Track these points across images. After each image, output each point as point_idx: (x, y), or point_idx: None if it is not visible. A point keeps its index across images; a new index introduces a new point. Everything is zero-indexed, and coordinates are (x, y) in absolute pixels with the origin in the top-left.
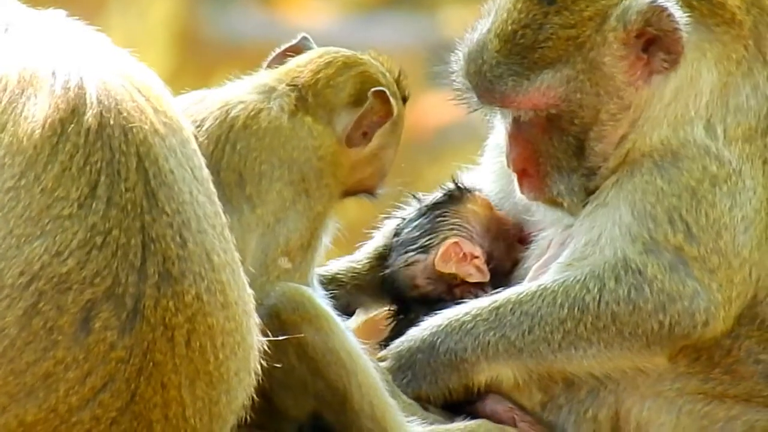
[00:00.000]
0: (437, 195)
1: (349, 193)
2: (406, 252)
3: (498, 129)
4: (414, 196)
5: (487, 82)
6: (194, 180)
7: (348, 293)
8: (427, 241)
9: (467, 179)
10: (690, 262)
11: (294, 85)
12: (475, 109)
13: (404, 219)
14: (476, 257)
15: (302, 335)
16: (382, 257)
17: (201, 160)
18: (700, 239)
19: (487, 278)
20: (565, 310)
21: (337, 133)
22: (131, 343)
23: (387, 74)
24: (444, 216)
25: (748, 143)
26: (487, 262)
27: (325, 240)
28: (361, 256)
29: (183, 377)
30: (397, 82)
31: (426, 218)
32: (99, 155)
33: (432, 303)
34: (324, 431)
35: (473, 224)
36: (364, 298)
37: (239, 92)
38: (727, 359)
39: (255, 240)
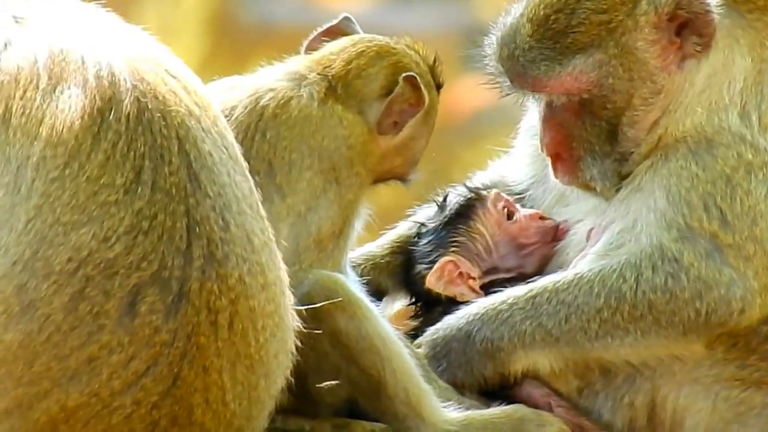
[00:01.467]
0: (456, 204)
1: (380, 180)
2: (420, 263)
3: (532, 111)
4: (436, 203)
5: (520, 67)
6: (230, 159)
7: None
8: (436, 257)
9: (492, 174)
10: (725, 250)
11: (325, 75)
12: (508, 94)
13: (425, 225)
14: (472, 278)
15: (336, 322)
16: (401, 249)
17: (232, 137)
18: (735, 226)
19: (481, 297)
20: (602, 300)
21: (368, 123)
22: (176, 326)
23: (421, 63)
24: (454, 232)
25: None
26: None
27: (358, 227)
28: (383, 243)
29: (225, 361)
30: (432, 69)
31: (438, 234)
32: (141, 140)
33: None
34: (359, 417)
35: (481, 240)
36: (386, 284)
37: (269, 80)
38: (765, 346)
39: (286, 229)
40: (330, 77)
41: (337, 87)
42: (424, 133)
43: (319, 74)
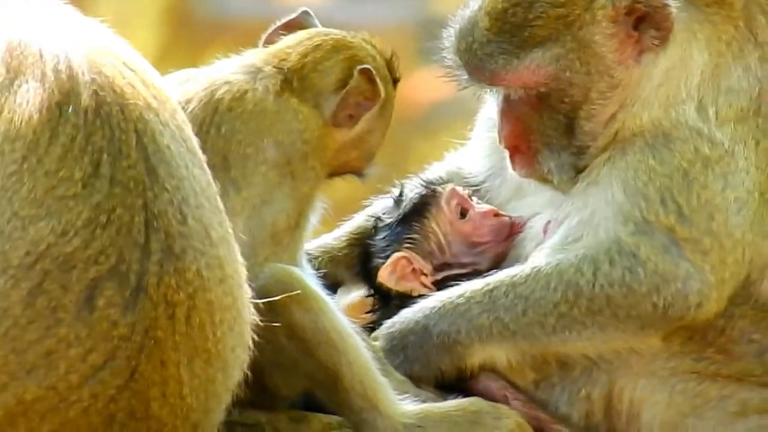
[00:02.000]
0: (411, 201)
1: (336, 174)
2: (376, 258)
3: (489, 103)
4: (392, 197)
5: (478, 60)
6: (188, 153)
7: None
8: (391, 252)
9: (448, 166)
10: (682, 244)
11: (281, 68)
12: (466, 87)
13: (381, 220)
14: (424, 274)
15: (292, 316)
16: (358, 241)
17: (190, 130)
18: (692, 220)
19: (432, 293)
20: (559, 294)
21: (324, 116)
22: (134, 320)
23: (377, 57)
24: (409, 229)
25: (740, 124)
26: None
27: (313, 220)
28: (340, 235)
29: (182, 355)
30: (389, 64)
31: (394, 230)
32: (99, 134)
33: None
34: (316, 409)
35: (434, 238)
36: (342, 276)
37: (225, 73)
38: (721, 339)
39: (242, 222)
40: (286, 70)
41: (293, 80)
42: (380, 127)
43: (274, 67)
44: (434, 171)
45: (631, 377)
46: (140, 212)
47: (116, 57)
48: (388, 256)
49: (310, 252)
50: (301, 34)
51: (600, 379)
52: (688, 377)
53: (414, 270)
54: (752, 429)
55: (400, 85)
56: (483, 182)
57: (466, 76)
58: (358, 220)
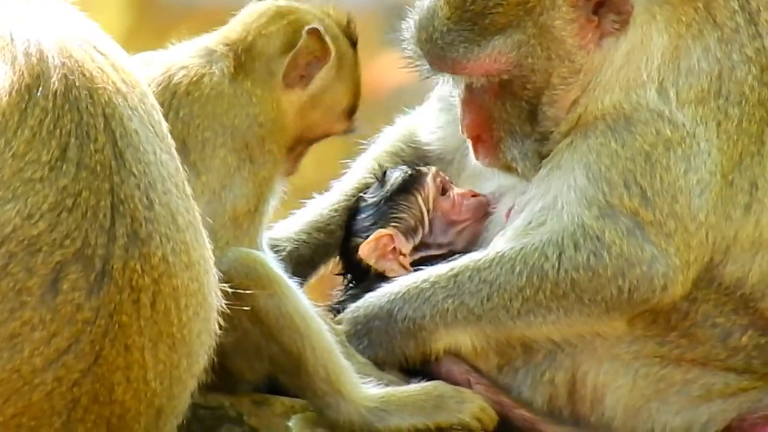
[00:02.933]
0: (397, 179)
1: (312, 139)
2: (358, 237)
3: (442, 84)
4: (375, 176)
5: (438, 50)
6: (156, 138)
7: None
8: (375, 230)
9: (402, 130)
10: (646, 227)
11: (230, 45)
12: (428, 77)
13: (364, 200)
14: (403, 254)
15: (255, 300)
16: (319, 227)
17: (159, 115)
18: (655, 204)
19: (409, 274)
20: (524, 278)
21: (276, 82)
22: (98, 304)
23: (327, 18)
24: (395, 207)
25: (701, 106)
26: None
27: (273, 203)
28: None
29: (146, 339)
30: (346, 27)
31: (379, 208)
32: (68, 118)
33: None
34: (279, 392)
35: (419, 215)
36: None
37: (182, 56)
38: (684, 322)
39: (202, 207)
40: (235, 46)
41: (243, 55)
42: (340, 84)
43: (225, 45)
44: (390, 137)
45: (594, 361)
46: (107, 196)
47: (87, 41)
48: (370, 235)
49: (272, 238)
50: (245, 9)
51: (564, 364)
52: (651, 361)
53: (394, 249)
54: (716, 413)
55: (365, 69)
56: (444, 157)
57: (427, 66)
58: (320, 205)
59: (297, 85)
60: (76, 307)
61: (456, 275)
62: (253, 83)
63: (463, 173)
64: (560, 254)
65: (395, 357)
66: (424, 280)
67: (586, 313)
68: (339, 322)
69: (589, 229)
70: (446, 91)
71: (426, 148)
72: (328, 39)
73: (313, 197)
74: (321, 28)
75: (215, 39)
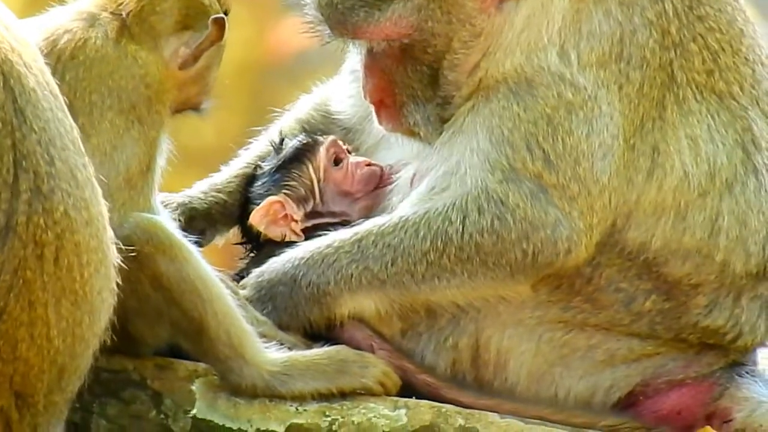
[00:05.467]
0: (291, 148)
1: (177, 111)
2: (253, 204)
3: (353, 55)
4: (272, 144)
5: (339, 14)
6: (51, 96)
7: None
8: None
9: (317, 99)
10: (550, 190)
11: (118, 13)
12: (329, 42)
13: (261, 167)
14: (295, 221)
15: (156, 265)
16: (220, 191)
17: (50, 75)
18: (558, 167)
19: (301, 240)
20: (428, 242)
21: (164, 58)
22: (2, 259)
23: None
24: (287, 176)
25: (602, 69)
26: (320, 218)
27: (161, 162)
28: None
29: (50, 295)
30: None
31: (272, 176)
32: None
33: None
34: (182, 356)
35: (309, 184)
36: (204, 226)
37: (64, 20)
38: (588, 287)
39: (95, 169)
40: (124, 16)
41: (132, 25)
42: (216, 61)
43: (111, 13)
44: (304, 105)
45: (498, 326)
46: (9, 152)
47: None
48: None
49: (172, 202)
50: None
51: (467, 328)
52: (555, 326)
53: (285, 216)
54: (619, 378)
55: (267, 33)
56: (352, 126)
57: (328, 31)
58: (220, 173)
59: (186, 65)
60: None
61: (360, 240)
62: (139, 47)
63: (371, 141)
64: (464, 218)
65: (299, 322)
66: (328, 245)
67: (490, 276)
68: (243, 287)
69: (493, 193)
70: (355, 64)
71: (336, 117)
72: (227, 26)
73: (220, 162)
74: (226, 18)
75: (97, 3)
